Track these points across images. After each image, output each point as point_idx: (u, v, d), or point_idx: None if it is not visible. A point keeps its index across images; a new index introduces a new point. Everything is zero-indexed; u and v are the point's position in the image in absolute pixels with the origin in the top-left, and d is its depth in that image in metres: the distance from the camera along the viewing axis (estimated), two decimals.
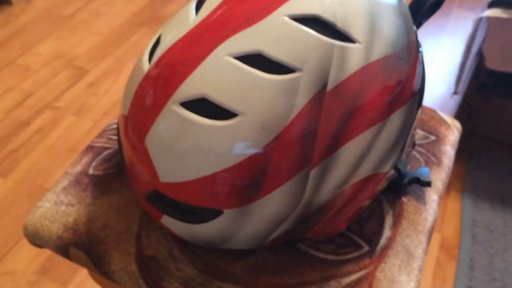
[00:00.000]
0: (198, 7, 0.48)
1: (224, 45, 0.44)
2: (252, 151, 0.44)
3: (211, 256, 0.53)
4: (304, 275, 0.52)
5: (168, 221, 0.51)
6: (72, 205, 0.57)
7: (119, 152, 0.55)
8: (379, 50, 0.46)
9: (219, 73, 0.43)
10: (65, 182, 0.59)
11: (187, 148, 0.45)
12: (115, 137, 0.65)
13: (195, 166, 0.45)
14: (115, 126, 0.67)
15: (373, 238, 0.56)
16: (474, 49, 1.27)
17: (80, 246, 0.54)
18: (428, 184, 0.59)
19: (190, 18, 0.47)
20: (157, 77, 0.46)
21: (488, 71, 1.30)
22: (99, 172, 0.60)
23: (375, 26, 0.46)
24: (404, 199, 0.60)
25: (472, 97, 1.36)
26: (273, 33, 0.43)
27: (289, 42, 0.43)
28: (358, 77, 0.45)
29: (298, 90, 0.43)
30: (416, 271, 0.54)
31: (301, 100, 0.43)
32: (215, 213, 0.48)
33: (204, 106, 0.44)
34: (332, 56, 0.44)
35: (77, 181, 0.59)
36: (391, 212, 0.58)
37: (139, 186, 0.51)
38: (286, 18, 0.44)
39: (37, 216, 0.57)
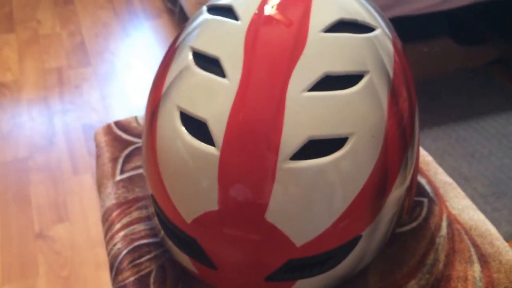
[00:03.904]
0: (212, 70, 0.44)
1: (291, 85, 0.42)
2: (374, 161, 0.45)
3: None
4: (417, 249, 0.56)
5: (300, 286, 0.49)
6: None
7: (200, 260, 0.49)
8: (387, 28, 0.51)
9: (308, 111, 0.42)
10: None
11: (318, 197, 0.43)
12: (138, 261, 0.56)
13: (331, 208, 0.44)
14: (123, 257, 0.57)
15: (418, 190, 0.62)
16: None
17: None
18: None
19: (221, 82, 0.43)
20: (243, 152, 0.42)
21: None
22: None
23: (370, 10, 0.50)
24: None
25: None
26: (326, 51, 0.44)
27: (343, 52, 0.45)
28: (397, 55, 0.50)
29: (376, 89, 0.46)
30: (463, 193, 0.63)
31: (383, 95, 0.46)
32: (355, 241, 0.48)
33: (309, 147, 0.42)
34: (376, 48, 0.47)
35: None
36: None
37: (253, 274, 0.47)
38: (322, 34, 0.45)
39: None
